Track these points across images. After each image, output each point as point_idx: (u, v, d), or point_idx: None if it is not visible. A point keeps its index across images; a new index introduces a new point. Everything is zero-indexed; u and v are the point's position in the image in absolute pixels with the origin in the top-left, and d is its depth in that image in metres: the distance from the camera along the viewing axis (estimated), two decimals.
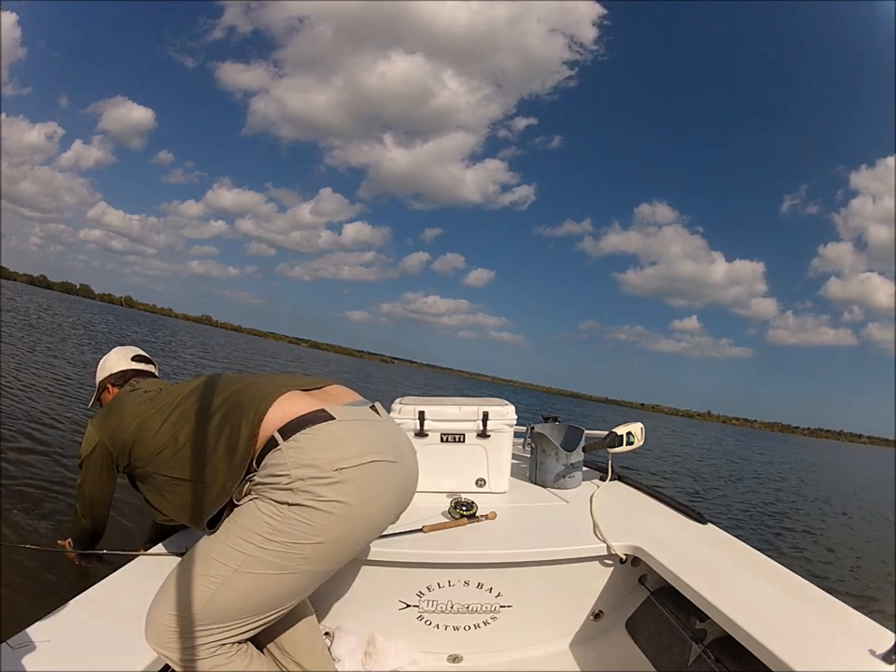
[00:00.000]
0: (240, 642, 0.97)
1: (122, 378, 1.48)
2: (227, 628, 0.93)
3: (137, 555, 1.29)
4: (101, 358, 1.58)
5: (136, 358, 1.56)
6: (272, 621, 1.00)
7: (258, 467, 1.00)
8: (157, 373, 1.61)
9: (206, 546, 0.99)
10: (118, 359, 1.55)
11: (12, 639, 0.89)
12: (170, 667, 0.96)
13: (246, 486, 1.02)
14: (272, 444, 0.98)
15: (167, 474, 1.12)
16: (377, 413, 1.14)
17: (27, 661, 0.86)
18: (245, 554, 0.93)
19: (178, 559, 1.19)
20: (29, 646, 0.89)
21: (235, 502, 1.02)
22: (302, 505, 0.92)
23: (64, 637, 0.94)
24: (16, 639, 0.90)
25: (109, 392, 1.49)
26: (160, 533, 1.43)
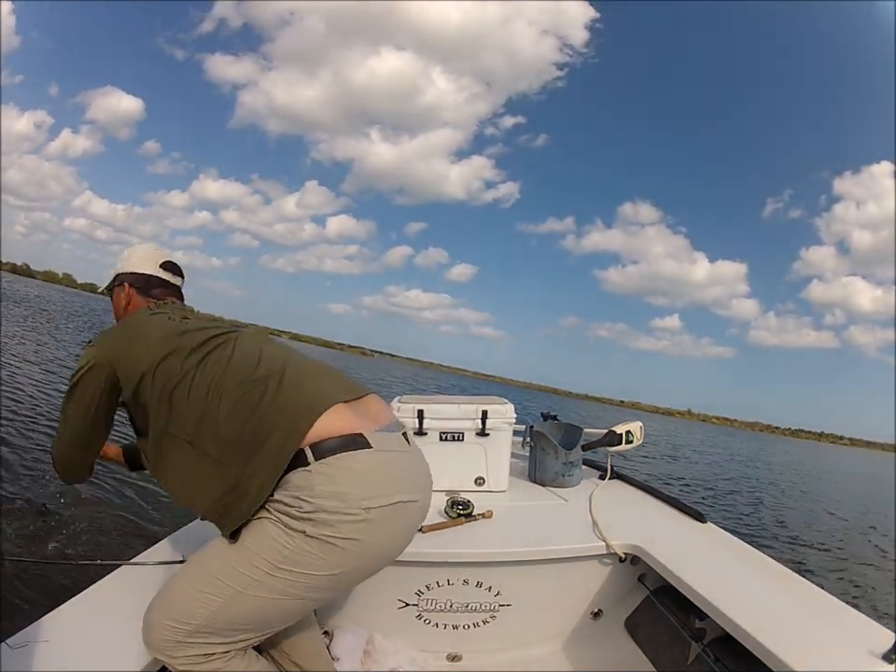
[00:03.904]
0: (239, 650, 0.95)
1: (145, 284, 1.27)
2: (228, 640, 0.91)
3: (135, 564, 1.24)
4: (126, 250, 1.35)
5: (166, 266, 1.32)
6: (274, 632, 0.98)
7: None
8: (182, 294, 1.36)
9: (210, 562, 0.93)
10: (145, 258, 1.30)
11: (11, 639, 0.88)
12: (167, 668, 0.96)
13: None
14: (300, 461, 0.89)
15: (199, 445, 0.96)
16: (407, 441, 1.04)
17: (26, 661, 0.85)
18: (251, 578, 0.87)
19: (173, 566, 1.19)
20: (28, 646, 0.88)
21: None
22: (320, 539, 0.86)
23: (63, 637, 0.93)
24: (15, 639, 0.89)
25: (125, 293, 1.27)
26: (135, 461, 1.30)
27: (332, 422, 0.92)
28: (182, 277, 1.36)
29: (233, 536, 0.93)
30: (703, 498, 8.02)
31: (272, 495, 0.89)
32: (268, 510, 0.89)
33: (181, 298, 1.34)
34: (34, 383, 6.77)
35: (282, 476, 0.89)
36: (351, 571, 0.92)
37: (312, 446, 0.89)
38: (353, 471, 0.89)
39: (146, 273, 1.29)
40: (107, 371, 1.04)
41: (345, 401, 0.98)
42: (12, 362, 7.79)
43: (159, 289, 1.28)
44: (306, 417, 0.91)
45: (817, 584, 1.27)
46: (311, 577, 0.88)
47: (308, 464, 0.88)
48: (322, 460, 0.88)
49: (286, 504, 0.87)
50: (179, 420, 0.98)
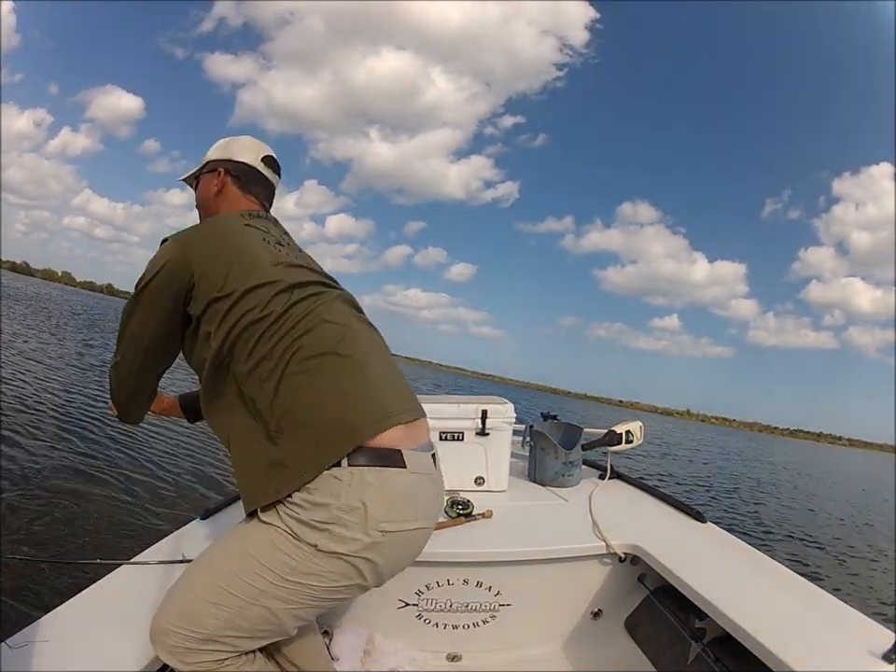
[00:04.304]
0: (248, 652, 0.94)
1: (245, 175, 1.14)
2: (239, 647, 0.89)
3: (135, 564, 1.23)
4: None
5: (267, 161, 1.18)
6: (286, 636, 0.96)
7: None
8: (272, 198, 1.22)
9: (217, 571, 0.88)
10: (246, 148, 1.17)
11: (11, 639, 0.88)
12: (168, 668, 0.96)
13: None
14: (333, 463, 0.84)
15: (250, 394, 0.88)
16: (435, 463, 0.99)
17: (26, 661, 0.85)
18: (258, 589, 0.83)
19: (173, 566, 1.19)
20: (28, 646, 0.88)
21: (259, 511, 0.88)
22: (330, 556, 0.82)
23: (63, 637, 0.93)
24: (15, 639, 0.88)
25: (218, 179, 1.13)
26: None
27: (382, 433, 0.87)
28: (280, 176, 1.23)
29: (250, 517, 0.90)
30: (700, 494, 8.03)
31: (290, 495, 0.84)
32: (279, 513, 0.85)
33: (271, 201, 1.21)
34: (37, 381, 6.79)
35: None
36: (357, 586, 0.89)
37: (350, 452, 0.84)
38: (382, 490, 0.84)
39: (245, 162, 1.15)
40: (187, 276, 0.92)
41: (403, 423, 0.92)
42: (15, 360, 7.80)
43: (258, 188, 1.16)
44: (372, 425, 0.86)
45: (816, 584, 1.27)
46: (319, 588, 0.85)
47: (339, 466, 0.83)
48: (355, 468, 0.83)
49: (302, 507, 0.82)
50: (240, 359, 0.89)
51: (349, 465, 0.83)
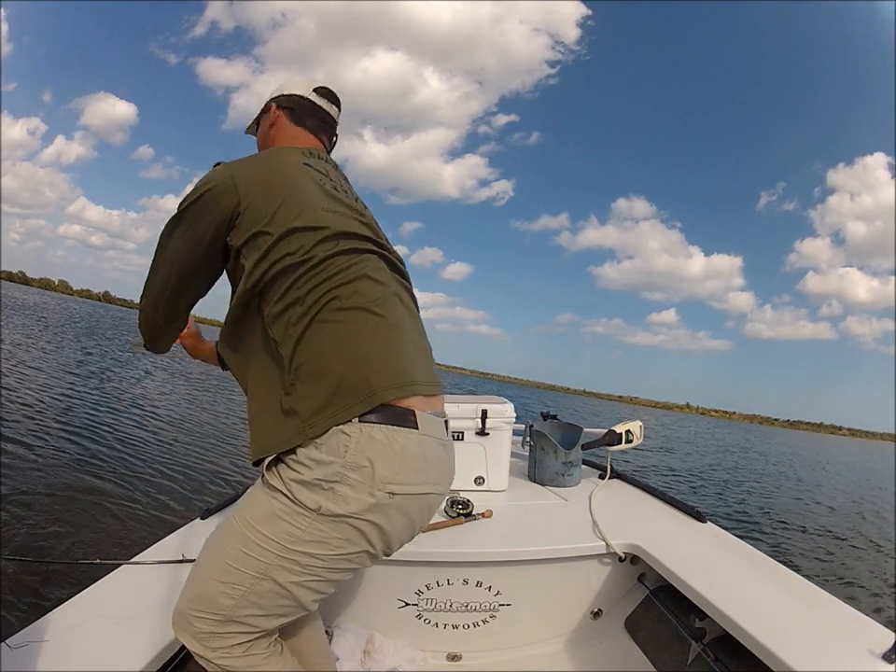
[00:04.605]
0: (271, 635, 0.91)
1: (297, 106, 1.10)
2: (261, 627, 0.86)
3: (135, 563, 1.24)
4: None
5: (321, 91, 1.13)
6: (306, 613, 0.92)
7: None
8: (335, 134, 1.17)
9: (224, 549, 0.85)
10: (298, 83, 1.14)
11: (11, 639, 0.88)
12: (168, 667, 0.96)
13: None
14: None
15: (275, 334, 0.85)
16: (447, 430, 0.96)
17: (27, 661, 0.85)
18: (263, 563, 0.81)
19: (173, 565, 1.19)
20: (28, 646, 0.88)
21: (263, 471, 0.85)
22: (334, 520, 0.79)
23: (63, 637, 0.93)
24: (15, 639, 0.89)
25: (271, 115, 1.10)
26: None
27: (400, 400, 0.85)
28: (339, 109, 1.16)
29: (256, 465, 0.87)
30: (702, 487, 8.03)
31: (294, 451, 0.81)
32: (281, 477, 0.82)
33: (332, 139, 1.16)
34: (40, 389, 6.85)
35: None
36: (365, 553, 0.85)
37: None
38: (391, 449, 0.81)
39: (297, 93, 1.11)
40: (234, 202, 0.88)
41: (425, 395, 0.90)
42: (17, 370, 7.85)
43: (313, 119, 1.11)
44: (392, 390, 0.83)
45: (816, 583, 1.27)
46: (326, 557, 0.81)
47: (350, 423, 0.79)
48: (364, 424, 0.80)
49: (306, 466, 0.79)
50: (271, 300, 0.86)
51: (359, 421, 0.80)
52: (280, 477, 0.82)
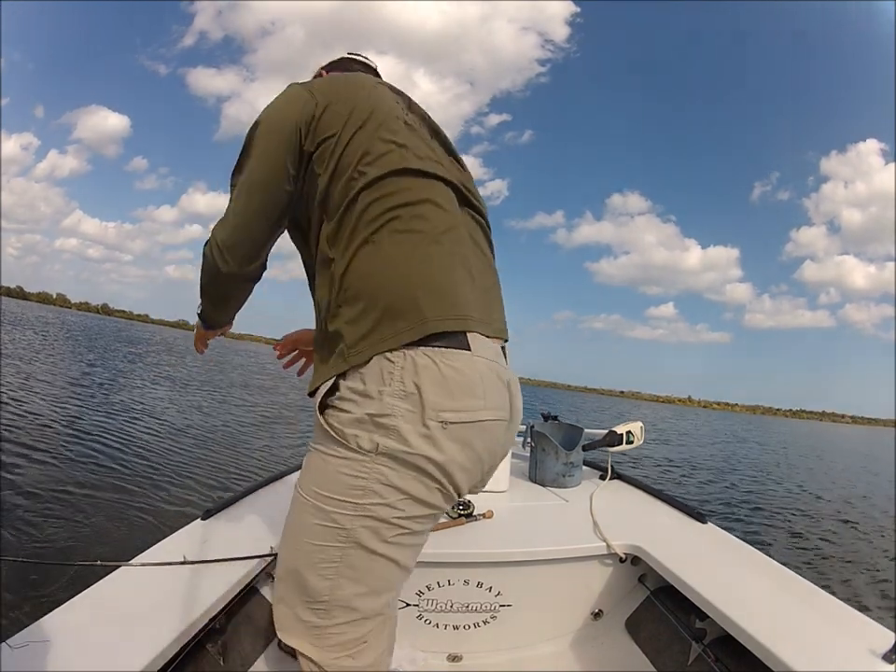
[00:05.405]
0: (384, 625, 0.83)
1: (344, 62, 1.10)
2: (363, 608, 0.79)
3: (135, 564, 1.21)
4: None
5: (352, 54, 1.14)
6: (406, 577, 0.84)
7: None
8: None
9: (298, 531, 0.80)
10: (335, 55, 1.14)
11: (12, 639, 0.88)
12: (169, 667, 0.96)
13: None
14: None
15: (333, 250, 0.81)
16: (505, 357, 0.88)
17: (27, 661, 0.84)
18: (343, 528, 0.74)
19: (174, 566, 1.18)
20: (29, 646, 0.87)
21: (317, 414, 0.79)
22: (393, 457, 0.72)
23: (64, 637, 0.92)
24: (15, 639, 0.88)
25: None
26: None
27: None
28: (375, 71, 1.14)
29: (311, 395, 0.82)
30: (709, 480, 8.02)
31: (338, 387, 0.77)
32: (330, 424, 0.76)
33: None
34: (44, 399, 6.90)
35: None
36: (440, 493, 0.77)
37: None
38: (439, 372, 0.73)
39: (338, 58, 1.11)
40: (314, 111, 0.84)
41: (486, 335, 0.82)
42: (23, 382, 7.91)
43: (363, 66, 1.11)
44: (447, 322, 0.76)
45: (816, 584, 1.27)
46: (402, 503, 0.75)
47: (393, 350, 0.74)
48: (408, 349, 0.74)
49: (353, 402, 0.74)
50: (333, 214, 0.82)
51: (402, 346, 0.74)
52: (331, 426, 0.77)
